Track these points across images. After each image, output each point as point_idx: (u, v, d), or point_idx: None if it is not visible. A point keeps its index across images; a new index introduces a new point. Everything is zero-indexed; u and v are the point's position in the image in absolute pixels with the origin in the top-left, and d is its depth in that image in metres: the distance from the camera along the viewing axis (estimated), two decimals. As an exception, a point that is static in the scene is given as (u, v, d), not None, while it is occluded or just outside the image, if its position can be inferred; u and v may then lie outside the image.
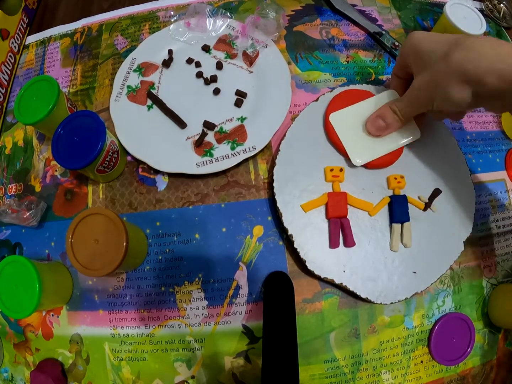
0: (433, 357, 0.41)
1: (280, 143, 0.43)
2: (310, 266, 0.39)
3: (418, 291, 0.39)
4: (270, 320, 0.34)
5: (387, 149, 0.42)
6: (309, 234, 0.40)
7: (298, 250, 0.39)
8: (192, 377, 0.40)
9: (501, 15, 0.60)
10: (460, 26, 0.48)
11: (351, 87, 0.46)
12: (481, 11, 0.59)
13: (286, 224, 0.40)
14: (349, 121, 0.43)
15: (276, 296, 0.36)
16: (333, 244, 0.40)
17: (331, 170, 0.42)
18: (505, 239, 0.46)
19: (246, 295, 0.41)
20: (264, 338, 0.32)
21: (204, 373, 0.40)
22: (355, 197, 0.41)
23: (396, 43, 0.52)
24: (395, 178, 0.42)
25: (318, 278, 0.39)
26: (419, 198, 0.42)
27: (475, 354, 0.43)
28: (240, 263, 0.41)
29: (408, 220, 0.41)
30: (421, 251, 0.41)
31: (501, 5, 0.61)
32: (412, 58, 0.36)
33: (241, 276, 0.41)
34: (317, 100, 0.46)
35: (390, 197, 0.42)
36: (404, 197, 0.41)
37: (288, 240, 0.41)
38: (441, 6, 0.59)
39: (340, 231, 0.40)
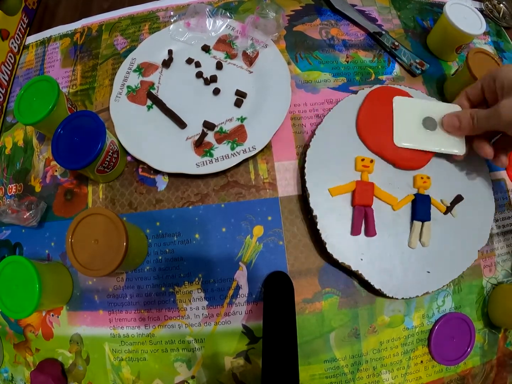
0: (433, 357, 0.41)
1: (316, 127, 0.44)
2: (329, 249, 0.39)
3: (429, 291, 0.40)
4: (270, 320, 0.34)
5: (427, 148, 0.42)
6: (333, 218, 0.41)
7: (320, 232, 0.40)
8: (192, 377, 0.40)
9: (501, 15, 0.60)
10: (460, 26, 0.48)
11: (389, 85, 0.48)
12: (481, 11, 0.59)
13: (312, 205, 0.40)
14: (408, 109, 0.44)
15: (276, 296, 0.36)
16: (355, 231, 0.40)
17: (362, 160, 0.43)
18: (505, 239, 0.46)
19: (246, 295, 0.41)
20: (264, 338, 0.32)
21: (204, 373, 0.40)
22: (382, 189, 0.42)
23: (396, 43, 0.52)
24: (422, 178, 0.43)
25: (335, 262, 0.40)
26: (441, 201, 0.43)
27: (475, 354, 0.43)
28: (240, 263, 0.41)
29: (429, 219, 0.41)
30: (437, 252, 0.41)
31: (501, 5, 0.61)
32: (507, 84, 0.37)
33: (241, 276, 0.41)
34: (356, 93, 0.47)
35: (414, 195, 0.42)
36: (427, 197, 0.42)
37: (311, 222, 0.41)
38: (441, 6, 0.59)
39: (363, 220, 0.41)
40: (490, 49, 0.57)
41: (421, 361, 0.41)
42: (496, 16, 0.60)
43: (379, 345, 0.41)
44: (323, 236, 0.40)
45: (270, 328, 0.33)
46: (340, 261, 0.39)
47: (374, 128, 0.44)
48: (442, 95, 0.51)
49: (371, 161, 0.43)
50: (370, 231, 0.40)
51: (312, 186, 0.41)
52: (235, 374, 0.39)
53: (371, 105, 0.45)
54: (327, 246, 0.39)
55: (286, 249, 0.42)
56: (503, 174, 0.48)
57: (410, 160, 0.43)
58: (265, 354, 0.31)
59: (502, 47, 0.58)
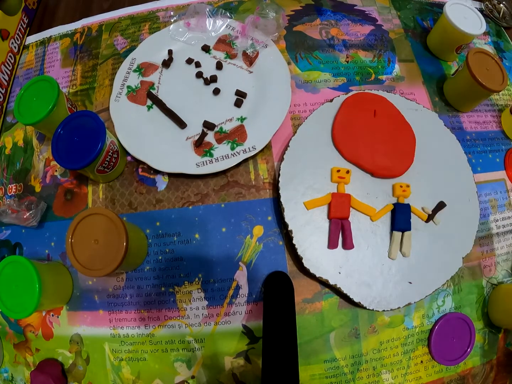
0: (433, 357, 0.41)
1: (290, 139, 0.43)
2: (306, 263, 0.39)
3: (412, 302, 0.39)
4: (270, 320, 0.34)
5: None
6: (309, 232, 0.40)
7: (296, 246, 0.39)
8: (192, 377, 0.40)
9: (501, 15, 0.60)
10: (460, 26, 0.48)
11: (366, 90, 0.47)
12: (481, 11, 0.59)
13: (287, 220, 0.40)
14: None
15: (276, 296, 0.36)
16: (332, 244, 0.40)
17: (338, 171, 0.42)
18: (505, 239, 0.46)
19: (246, 295, 0.41)
20: (264, 338, 0.32)
21: (204, 373, 0.39)
22: (359, 200, 0.41)
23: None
24: (401, 186, 0.42)
25: (313, 277, 0.39)
26: (422, 209, 0.42)
27: (475, 354, 0.43)
28: (240, 263, 0.41)
29: (409, 229, 0.41)
30: (419, 262, 0.40)
31: (501, 5, 0.61)
32: None
33: (241, 276, 0.41)
34: (331, 101, 0.46)
35: (393, 204, 0.42)
36: (407, 206, 0.41)
37: (287, 237, 0.41)
38: (441, 6, 0.59)
39: (340, 233, 0.40)
40: (490, 49, 0.57)
41: (421, 361, 0.41)
42: (496, 16, 0.60)
43: (379, 345, 0.40)
44: (299, 251, 0.39)
45: (270, 328, 0.33)
46: (317, 275, 0.39)
47: (350, 136, 0.43)
48: (442, 95, 0.51)
49: (347, 171, 0.42)
50: (347, 244, 0.40)
51: (287, 200, 0.40)
52: (235, 374, 0.39)
53: (347, 113, 0.44)
54: (303, 260, 0.39)
55: (286, 249, 0.42)
56: (502, 174, 0.48)
57: (388, 169, 0.42)
58: (265, 354, 0.31)
59: (502, 47, 0.58)
